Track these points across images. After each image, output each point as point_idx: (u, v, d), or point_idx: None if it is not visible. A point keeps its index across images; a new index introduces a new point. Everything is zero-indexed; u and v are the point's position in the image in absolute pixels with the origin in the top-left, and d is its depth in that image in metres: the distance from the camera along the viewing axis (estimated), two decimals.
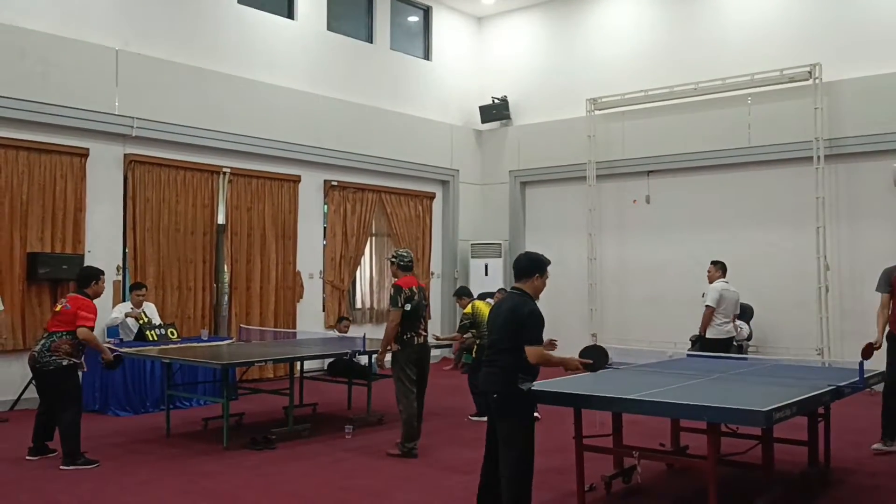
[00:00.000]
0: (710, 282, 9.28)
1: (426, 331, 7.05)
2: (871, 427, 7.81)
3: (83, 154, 9.49)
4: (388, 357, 6.88)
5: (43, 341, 6.49)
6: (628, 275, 12.89)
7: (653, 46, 12.90)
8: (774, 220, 11.55)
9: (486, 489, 4.78)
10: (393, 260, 7.14)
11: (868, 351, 6.24)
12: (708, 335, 8.97)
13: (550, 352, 4.82)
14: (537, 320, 4.61)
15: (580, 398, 5.12)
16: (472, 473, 6.04)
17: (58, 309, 6.61)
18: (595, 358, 4.83)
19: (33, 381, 6.92)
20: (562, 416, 7.46)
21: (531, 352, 4.52)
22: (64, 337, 6.44)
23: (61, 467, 6.29)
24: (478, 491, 4.84)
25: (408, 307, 6.76)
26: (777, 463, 5.34)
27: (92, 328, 6.49)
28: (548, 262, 4.87)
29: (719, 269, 9.26)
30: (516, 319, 4.58)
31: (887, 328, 6.88)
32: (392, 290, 6.91)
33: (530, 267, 4.77)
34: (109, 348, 6.98)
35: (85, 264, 9.25)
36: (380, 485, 5.85)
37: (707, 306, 8.94)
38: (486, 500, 4.80)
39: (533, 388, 4.74)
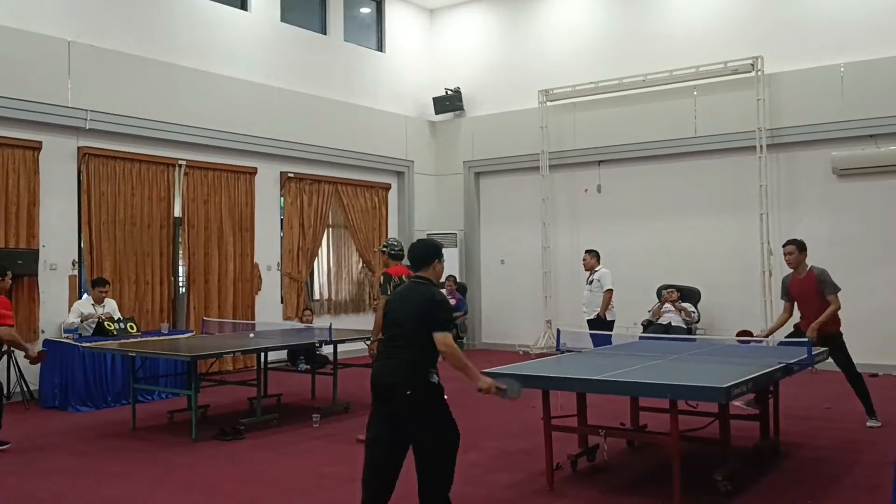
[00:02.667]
0: (591, 269, 9.99)
1: None
2: (815, 404, 8.29)
3: (36, 147, 9.33)
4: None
5: None
6: (581, 262, 13.19)
7: (603, 39, 13.21)
8: (720, 207, 11.99)
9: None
10: (384, 249, 7.19)
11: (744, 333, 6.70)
12: (608, 317, 9.72)
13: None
14: (449, 307, 4.52)
15: (549, 380, 5.34)
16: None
17: None
18: (510, 385, 4.40)
19: None
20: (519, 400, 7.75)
21: (441, 338, 4.24)
22: None
23: None
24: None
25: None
26: (731, 438, 5.65)
27: (10, 325, 6.59)
28: (442, 245, 4.78)
29: (595, 256, 10.11)
30: (428, 308, 4.31)
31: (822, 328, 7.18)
32: (381, 277, 6.99)
33: (428, 253, 4.59)
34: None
35: (40, 259, 9.21)
36: (354, 471, 5.91)
37: (610, 290, 9.73)
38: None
39: (487, 372, 4.68)
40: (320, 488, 5.57)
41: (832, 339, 7.09)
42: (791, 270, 7.57)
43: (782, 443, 6.44)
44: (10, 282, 7.05)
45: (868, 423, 7.21)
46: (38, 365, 7.51)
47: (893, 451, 4.60)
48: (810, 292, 7.30)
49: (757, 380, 5.10)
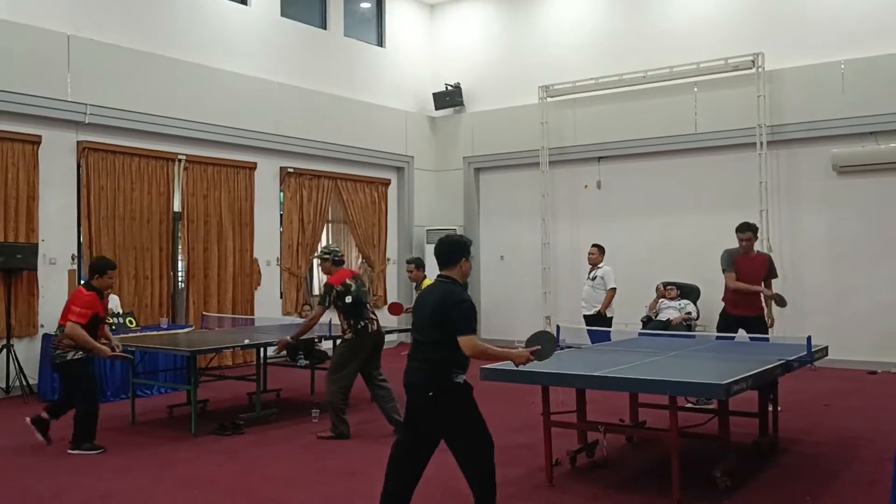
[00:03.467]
0: (595, 264, 9.86)
1: (375, 316, 7.15)
2: (813, 399, 8.30)
3: (35, 141, 9.31)
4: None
5: (54, 335, 6.60)
6: (580, 258, 13.14)
7: (603, 35, 13.19)
8: (719, 204, 11.95)
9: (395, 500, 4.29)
10: (326, 257, 7.10)
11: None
12: (608, 314, 9.69)
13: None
14: (469, 309, 4.21)
15: (549, 376, 5.34)
16: (443, 453, 6.22)
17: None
18: (542, 343, 4.33)
19: None
20: (521, 395, 7.77)
21: (465, 342, 4.10)
22: (62, 330, 6.48)
23: (68, 451, 6.43)
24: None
25: (348, 299, 6.86)
26: (731, 434, 5.66)
27: (81, 323, 6.39)
28: (471, 243, 4.54)
29: (601, 251, 10.03)
30: (446, 309, 4.16)
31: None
32: (323, 288, 7.00)
33: (455, 251, 4.37)
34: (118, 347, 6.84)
35: (39, 253, 9.20)
36: (354, 465, 6.00)
37: (614, 289, 9.69)
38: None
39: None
40: (319, 483, 5.57)
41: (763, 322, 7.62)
42: (738, 249, 7.80)
43: (781, 439, 6.45)
44: (111, 280, 6.86)
45: None
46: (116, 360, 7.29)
47: (892, 448, 4.61)
48: (759, 274, 7.66)
49: (756, 376, 5.11)
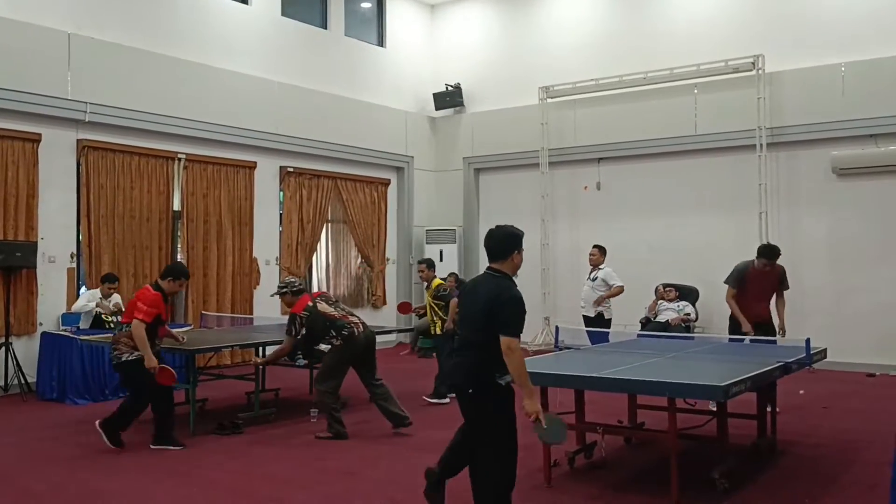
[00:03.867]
0: (596, 265, 9.81)
1: (358, 318, 7.14)
2: (811, 402, 8.30)
3: (35, 139, 9.31)
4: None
5: (113, 333, 6.52)
6: (580, 259, 13.15)
7: (604, 36, 13.20)
8: (719, 205, 11.98)
9: (452, 459, 4.45)
10: (283, 291, 7.17)
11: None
12: (606, 315, 9.64)
13: None
14: (519, 307, 4.02)
15: (549, 377, 5.34)
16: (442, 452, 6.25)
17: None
18: (552, 425, 4.11)
19: None
20: (520, 395, 7.75)
21: (508, 343, 3.92)
22: (124, 329, 6.39)
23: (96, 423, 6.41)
24: (447, 456, 4.49)
25: (303, 331, 6.90)
26: (729, 436, 5.65)
27: (146, 322, 6.27)
28: (523, 234, 4.27)
29: (603, 252, 9.96)
30: (498, 305, 4.00)
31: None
32: (288, 319, 7.04)
33: (507, 243, 4.15)
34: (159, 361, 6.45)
35: (39, 251, 9.19)
36: (353, 465, 6.00)
37: (622, 286, 9.63)
38: (448, 468, 4.48)
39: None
40: (319, 482, 5.57)
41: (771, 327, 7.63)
42: (751, 262, 7.76)
43: (780, 441, 6.45)
44: (180, 288, 6.88)
45: None
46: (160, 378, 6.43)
47: (891, 451, 4.59)
48: (772, 287, 7.69)
49: (755, 378, 5.11)
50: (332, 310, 7.02)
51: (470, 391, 4.08)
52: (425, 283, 9.36)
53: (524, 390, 4.03)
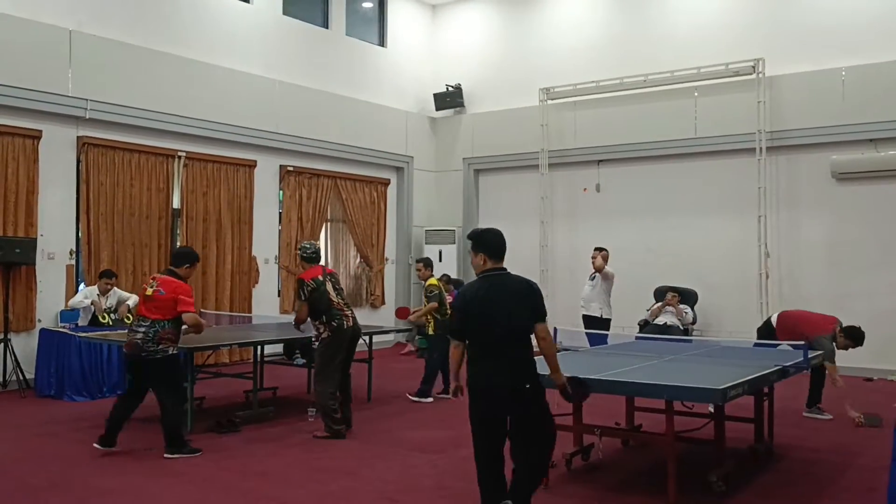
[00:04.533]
0: (600, 269, 9.87)
1: (351, 312, 7.13)
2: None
3: (36, 136, 9.31)
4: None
5: (144, 329, 6.13)
6: (579, 261, 13.18)
7: (604, 38, 13.21)
8: (718, 208, 11.99)
9: (496, 486, 4.44)
10: (297, 252, 7.24)
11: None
12: (605, 315, 9.82)
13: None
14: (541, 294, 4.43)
15: (546, 378, 5.32)
16: (439, 453, 6.28)
17: (149, 293, 6.21)
18: (577, 386, 4.68)
19: (129, 370, 6.54)
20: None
21: (542, 328, 4.27)
22: (167, 326, 6.14)
23: (165, 455, 6.15)
24: (489, 484, 4.44)
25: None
26: (726, 439, 5.66)
27: (193, 311, 6.27)
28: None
29: (605, 257, 9.98)
30: (533, 297, 4.30)
31: None
32: (297, 283, 7.03)
33: (504, 243, 4.47)
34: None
35: (38, 248, 9.19)
36: (350, 464, 6.00)
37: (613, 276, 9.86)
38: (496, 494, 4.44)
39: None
40: (315, 482, 5.57)
41: None
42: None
43: (777, 445, 6.46)
44: (193, 273, 6.77)
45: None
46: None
47: (888, 456, 4.60)
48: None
49: (753, 381, 5.12)
50: (335, 295, 7.02)
51: (528, 386, 4.27)
52: (423, 282, 9.39)
53: (553, 365, 4.43)
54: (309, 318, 7.00)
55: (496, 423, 4.35)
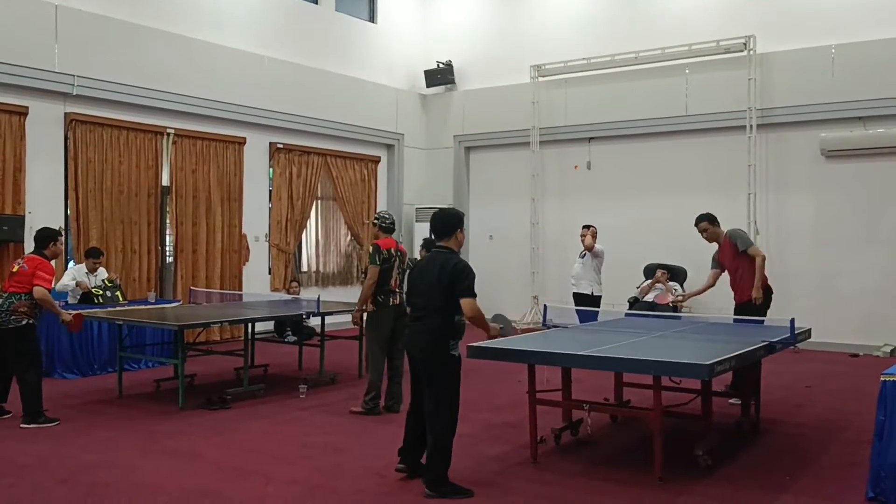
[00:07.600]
0: (590, 248, 9.83)
1: (401, 295, 7.07)
2: (795, 382, 8.40)
3: (22, 112, 9.23)
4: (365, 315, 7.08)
5: (1, 301, 6.50)
6: (569, 239, 13.19)
7: (596, 15, 13.14)
8: (708, 186, 11.99)
9: (410, 445, 4.96)
10: (375, 221, 7.22)
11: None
12: (596, 292, 9.82)
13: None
14: (470, 273, 4.67)
15: (535, 355, 5.38)
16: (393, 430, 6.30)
17: (14, 269, 6.64)
18: (504, 323, 5.11)
19: None
20: (505, 373, 7.83)
21: (468, 304, 4.59)
22: (22, 299, 6.47)
23: (21, 426, 6.33)
24: (402, 446, 4.99)
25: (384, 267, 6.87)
26: (713, 414, 5.72)
27: (48, 289, 6.56)
28: (463, 215, 5.01)
29: (594, 234, 9.96)
30: (448, 275, 4.61)
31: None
32: (371, 248, 7.01)
33: (450, 223, 4.81)
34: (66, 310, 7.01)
35: (26, 225, 9.14)
36: (340, 440, 6.04)
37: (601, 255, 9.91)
38: (409, 456, 4.96)
39: (482, 346, 5.12)
40: (305, 458, 5.61)
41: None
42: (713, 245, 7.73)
43: (762, 420, 6.53)
44: (62, 248, 7.12)
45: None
46: (76, 332, 7.62)
47: (871, 431, 4.67)
48: (732, 255, 7.43)
49: (739, 357, 5.16)
50: (395, 271, 7.02)
51: (424, 360, 4.68)
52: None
53: (486, 329, 4.88)
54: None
55: (415, 379, 4.90)
